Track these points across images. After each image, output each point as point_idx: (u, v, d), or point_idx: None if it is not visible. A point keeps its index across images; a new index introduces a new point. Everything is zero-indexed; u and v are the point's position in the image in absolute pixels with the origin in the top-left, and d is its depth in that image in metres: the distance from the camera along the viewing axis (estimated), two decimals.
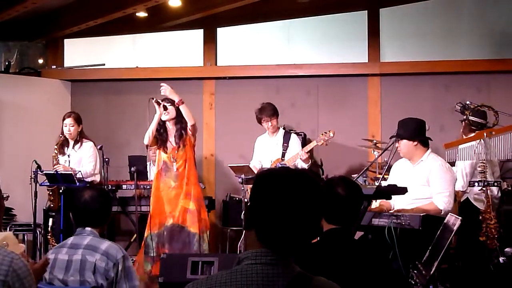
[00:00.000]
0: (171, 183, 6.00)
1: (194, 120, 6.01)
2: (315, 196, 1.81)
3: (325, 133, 6.47)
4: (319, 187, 1.84)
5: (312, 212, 1.80)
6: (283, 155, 6.69)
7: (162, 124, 6.09)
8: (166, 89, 5.98)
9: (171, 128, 6.09)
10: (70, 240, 3.31)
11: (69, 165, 6.62)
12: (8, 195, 6.08)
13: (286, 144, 6.72)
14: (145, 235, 6.00)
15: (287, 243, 1.78)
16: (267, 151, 6.82)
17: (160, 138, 6.07)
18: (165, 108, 5.99)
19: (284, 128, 7.01)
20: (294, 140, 6.76)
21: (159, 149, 6.11)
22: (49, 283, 3.23)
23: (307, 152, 6.46)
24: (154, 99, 6.03)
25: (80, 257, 3.18)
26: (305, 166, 6.51)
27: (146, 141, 6.13)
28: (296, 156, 6.50)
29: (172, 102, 6.03)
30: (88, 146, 6.76)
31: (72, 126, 6.69)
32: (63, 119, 6.72)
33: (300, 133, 7.41)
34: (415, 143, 5.00)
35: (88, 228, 3.30)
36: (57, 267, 3.22)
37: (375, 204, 5.08)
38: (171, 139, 6.08)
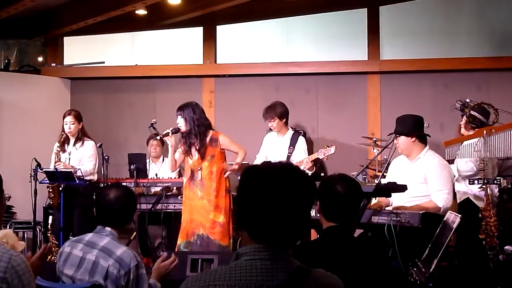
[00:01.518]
0: (198, 193, 5.89)
1: (241, 151, 5.98)
2: (301, 187, 1.81)
3: (328, 147, 6.41)
4: (305, 178, 1.84)
5: (301, 204, 1.80)
6: (288, 158, 6.63)
7: (187, 133, 5.96)
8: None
9: (193, 137, 5.94)
10: (88, 236, 3.26)
11: (69, 163, 6.62)
12: (9, 196, 6.09)
13: (292, 148, 6.67)
14: (178, 242, 5.94)
15: (279, 238, 1.78)
16: (273, 150, 6.76)
17: (186, 144, 5.94)
18: (176, 131, 5.93)
19: (295, 130, 6.93)
20: (300, 144, 6.67)
21: (186, 156, 5.98)
22: (58, 277, 3.22)
23: (312, 161, 6.43)
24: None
25: (94, 258, 3.14)
26: (309, 174, 6.46)
27: (171, 170, 6.27)
28: (301, 163, 6.45)
29: (181, 113, 5.90)
30: (89, 146, 6.76)
31: (73, 124, 6.69)
32: (63, 117, 6.73)
33: (299, 131, 7.40)
34: (413, 139, 5.00)
35: (108, 228, 3.25)
36: (70, 263, 3.19)
37: (374, 202, 5.08)
38: (195, 147, 5.93)
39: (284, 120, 6.70)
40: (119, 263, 3.12)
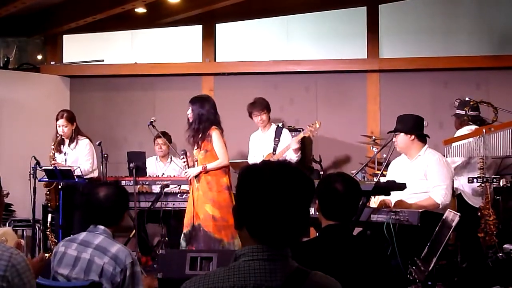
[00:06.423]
0: (195, 184, 5.93)
1: (221, 159, 5.88)
2: (300, 185, 1.81)
3: (312, 124, 6.45)
4: (303, 175, 1.84)
5: (300, 201, 1.80)
6: (274, 149, 6.68)
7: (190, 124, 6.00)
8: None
9: (193, 130, 5.95)
10: (82, 235, 3.24)
11: (66, 163, 6.61)
12: (8, 192, 6.08)
13: (277, 139, 6.72)
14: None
15: (280, 236, 1.78)
16: (259, 146, 6.81)
17: (190, 136, 5.97)
18: (185, 153, 6.07)
19: (282, 125, 6.99)
20: (285, 135, 6.74)
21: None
22: (53, 277, 3.21)
23: (297, 142, 6.44)
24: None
25: (89, 256, 3.12)
26: (295, 158, 6.45)
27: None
28: (287, 148, 6.47)
29: (191, 105, 5.92)
30: (83, 144, 6.73)
31: (66, 126, 6.66)
32: (56, 119, 6.69)
33: (299, 129, 7.40)
34: (412, 137, 5.01)
35: (101, 227, 3.22)
36: (65, 263, 3.18)
37: (373, 200, 5.09)
38: (194, 138, 5.99)
39: (269, 112, 6.76)
40: (115, 260, 3.10)
